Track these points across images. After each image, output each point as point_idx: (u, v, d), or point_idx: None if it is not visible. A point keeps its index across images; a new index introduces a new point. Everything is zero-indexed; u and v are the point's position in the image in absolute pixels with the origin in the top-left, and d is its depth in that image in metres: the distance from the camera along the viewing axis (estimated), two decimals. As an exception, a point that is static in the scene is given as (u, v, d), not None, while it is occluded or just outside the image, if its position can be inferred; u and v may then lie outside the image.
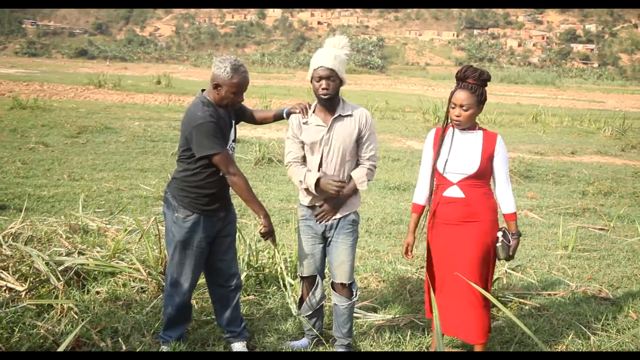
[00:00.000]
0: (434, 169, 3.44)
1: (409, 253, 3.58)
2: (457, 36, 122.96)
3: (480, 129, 3.41)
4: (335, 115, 3.49)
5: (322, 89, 3.40)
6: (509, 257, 3.40)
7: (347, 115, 3.49)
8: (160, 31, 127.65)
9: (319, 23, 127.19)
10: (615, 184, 9.95)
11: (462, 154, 3.34)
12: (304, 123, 3.54)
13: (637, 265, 5.82)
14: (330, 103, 3.48)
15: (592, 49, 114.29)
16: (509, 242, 3.36)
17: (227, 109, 3.44)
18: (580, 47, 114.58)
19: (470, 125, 3.36)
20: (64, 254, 4.64)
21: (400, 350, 3.76)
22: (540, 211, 8.01)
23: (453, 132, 3.40)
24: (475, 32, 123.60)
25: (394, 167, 10.94)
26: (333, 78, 3.38)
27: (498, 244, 3.36)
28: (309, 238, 3.64)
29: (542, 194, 9.14)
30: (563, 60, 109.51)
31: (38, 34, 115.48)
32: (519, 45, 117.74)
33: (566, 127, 19.08)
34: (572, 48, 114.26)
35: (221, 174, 3.39)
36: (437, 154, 3.42)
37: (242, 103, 3.63)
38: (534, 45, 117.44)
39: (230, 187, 3.49)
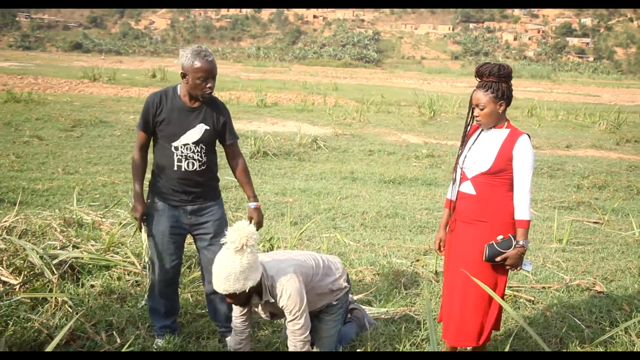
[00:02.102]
0: (457, 163, 3.39)
1: (441, 249, 3.49)
2: (453, 30, 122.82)
3: (509, 126, 3.26)
4: (262, 302, 3.33)
5: (230, 302, 3.30)
6: (490, 261, 3.19)
7: (272, 302, 3.32)
8: (155, 24, 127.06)
9: (314, 17, 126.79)
10: (609, 177, 9.98)
11: (480, 151, 3.24)
12: None
13: (630, 259, 5.84)
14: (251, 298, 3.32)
15: (587, 43, 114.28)
16: (505, 249, 3.15)
17: (198, 101, 3.42)
18: (576, 41, 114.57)
19: (494, 123, 3.24)
20: (58, 248, 4.63)
21: (395, 343, 3.77)
22: (535, 205, 8.03)
23: (481, 129, 3.33)
24: (471, 25, 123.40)
25: (389, 160, 10.94)
26: (234, 296, 3.14)
27: (487, 244, 3.18)
28: None
29: (537, 187, 9.16)
30: (558, 54, 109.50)
31: (32, 27, 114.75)
32: (515, 39, 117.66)
33: (561, 121, 19.11)
34: (567, 42, 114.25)
35: (175, 164, 3.43)
36: (461, 149, 3.37)
37: (233, 133, 3.59)
38: (529, 39, 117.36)
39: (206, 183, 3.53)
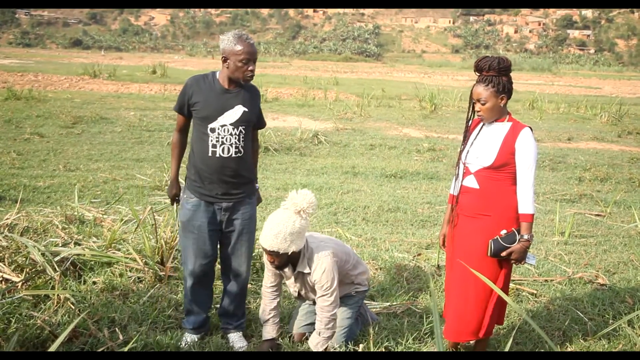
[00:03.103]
0: (459, 158, 3.38)
1: (445, 244, 3.51)
2: (453, 23, 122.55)
3: (511, 120, 3.24)
4: (295, 272, 3.48)
5: (269, 261, 3.39)
6: (495, 256, 3.19)
7: (306, 273, 3.45)
8: (155, 20, 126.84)
9: (314, 11, 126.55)
10: (611, 170, 9.97)
11: (483, 145, 3.23)
12: None
13: (633, 251, 5.83)
14: (288, 265, 3.45)
15: (588, 35, 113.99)
16: (510, 243, 3.15)
17: (237, 85, 3.40)
18: (577, 33, 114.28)
19: (496, 117, 3.23)
20: (60, 245, 4.63)
21: (397, 337, 3.76)
22: (537, 198, 8.01)
23: (482, 124, 3.31)
24: (472, 18, 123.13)
25: (391, 154, 10.93)
26: (275, 254, 3.30)
27: (491, 239, 3.18)
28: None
29: (539, 180, 9.15)
30: (559, 46, 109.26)
31: (32, 24, 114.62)
32: (515, 31, 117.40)
33: (562, 114, 19.07)
34: (568, 34, 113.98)
35: (209, 149, 3.39)
36: (464, 144, 3.36)
37: (263, 120, 3.66)
38: (530, 31, 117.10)
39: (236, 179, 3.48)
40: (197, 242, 3.50)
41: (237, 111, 3.39)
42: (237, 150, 3.41)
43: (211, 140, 3.38)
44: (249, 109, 3.43)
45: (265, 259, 3.48)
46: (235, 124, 3.39)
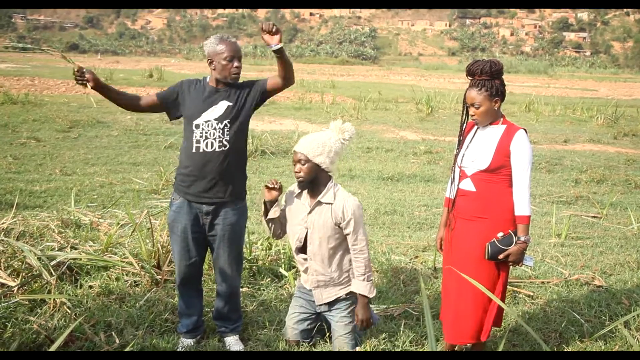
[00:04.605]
0: (455, 162, 3.37)
1: (442, 248, 3.51)
2: (450, 26, 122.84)
3: (505, 122, 3.25)
4: (316, 200, 3.46)
5: (295, 172, 3.40)
6: (493, 259, 3.19)
7: (327, 203, 3.43)
8: (151, 24, 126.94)
9: (311, 14, 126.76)
10: (607, 171, 9.99)
11: (478, 148, 3.23)
12: (295, 196, 3.56)
13: (629, 252, 5.85)
14: (310, 187, 3.44)
15: (584, 37, 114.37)
16: (507, 246, 3.15)
17: (227, 84, 3.42)
18: (573, 36, 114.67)
19: (490, 120, 3.24)
20: (56, 249, 4.62)
21: (394, 340, 3.76)
22: (534, 200, 8.02)
23: (477, 127, 3.32)
24: (468, 21, 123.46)
25: (388, 157, 10.94)
26: (304, 162, 3.34)
27: (488, 242, 3.18)
28: (298, 307, 3.70)
29: (535, 182, 9.16)
30: (555, 49, 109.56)
31: (28, 28, 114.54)
32: (512, 34, 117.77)
33: (559, 116, 19.11)
34: (564, 36, 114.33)
35: (194, 145, 3.40)
36: (459, 148, 3.36)
37: (257, 81, 3.60)
38: (526, 34, 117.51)
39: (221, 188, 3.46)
40: (181, 244, 3.52)
41: (221, 107, 3.42)
42: (220, 144, 3.39)
43: (195, 137, 3.40)
44: (233, 103, 3.44)
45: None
46: (219, 119, 3.40)
